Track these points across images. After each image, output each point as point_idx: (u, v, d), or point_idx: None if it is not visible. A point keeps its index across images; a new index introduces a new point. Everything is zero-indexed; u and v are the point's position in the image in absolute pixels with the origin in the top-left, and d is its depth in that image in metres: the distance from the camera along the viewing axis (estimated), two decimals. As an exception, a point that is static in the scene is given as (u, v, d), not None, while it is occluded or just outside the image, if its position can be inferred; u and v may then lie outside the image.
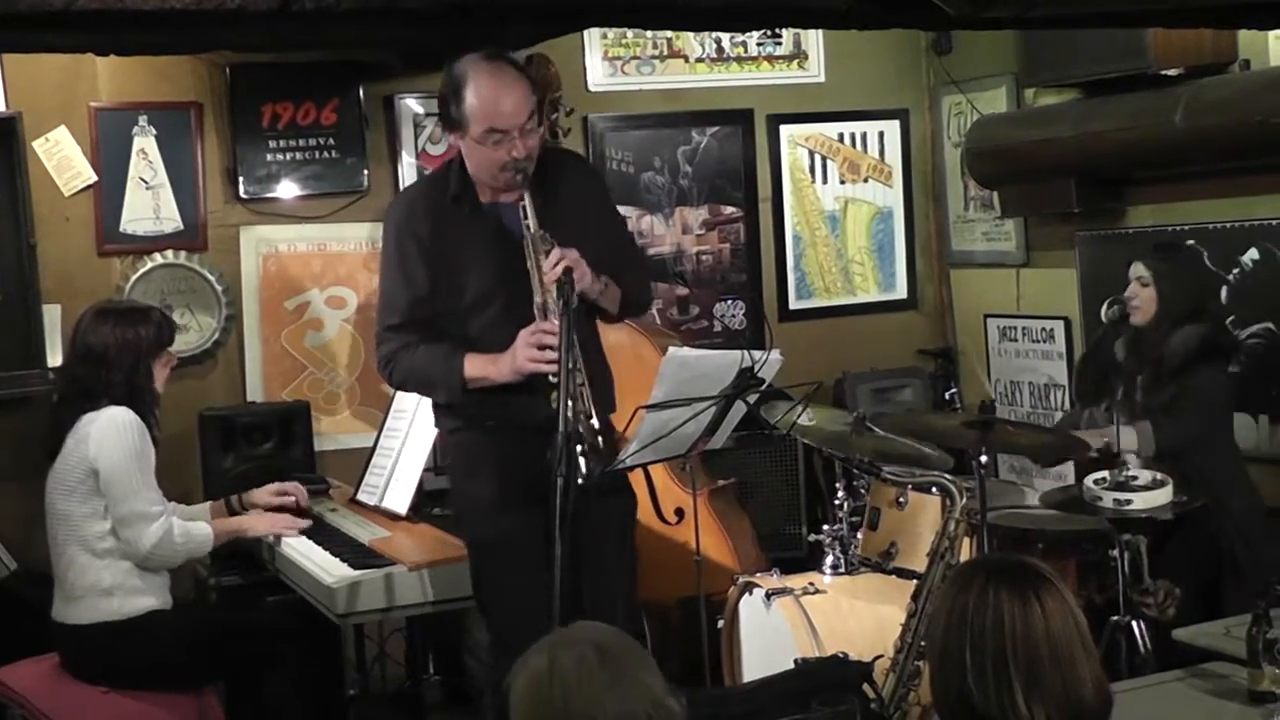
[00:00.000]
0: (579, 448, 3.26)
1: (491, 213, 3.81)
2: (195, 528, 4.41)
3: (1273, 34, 5.04)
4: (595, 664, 2.08)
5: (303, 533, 4.58)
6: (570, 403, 3.30)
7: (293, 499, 4.82)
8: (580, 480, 3.24)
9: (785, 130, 6.53)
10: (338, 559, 4.25)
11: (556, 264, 3.51)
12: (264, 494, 4.81)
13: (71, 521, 4.25)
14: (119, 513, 4.21)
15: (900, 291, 6.79)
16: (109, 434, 4.20)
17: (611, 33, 6.18)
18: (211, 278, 5.63)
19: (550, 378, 3.45)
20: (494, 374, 3.70)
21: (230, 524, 4.59)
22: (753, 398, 3.75)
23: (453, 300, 3.81)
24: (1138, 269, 4.87)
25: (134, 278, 5.50)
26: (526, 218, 3.61)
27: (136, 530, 4.21)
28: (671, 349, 3.65)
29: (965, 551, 4.11)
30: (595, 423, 3.34)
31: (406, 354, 3.81)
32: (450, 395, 3.80)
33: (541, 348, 3.55)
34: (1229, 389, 4.86)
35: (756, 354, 3.67)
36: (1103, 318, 4.96)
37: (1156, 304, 4.82)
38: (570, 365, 3.34)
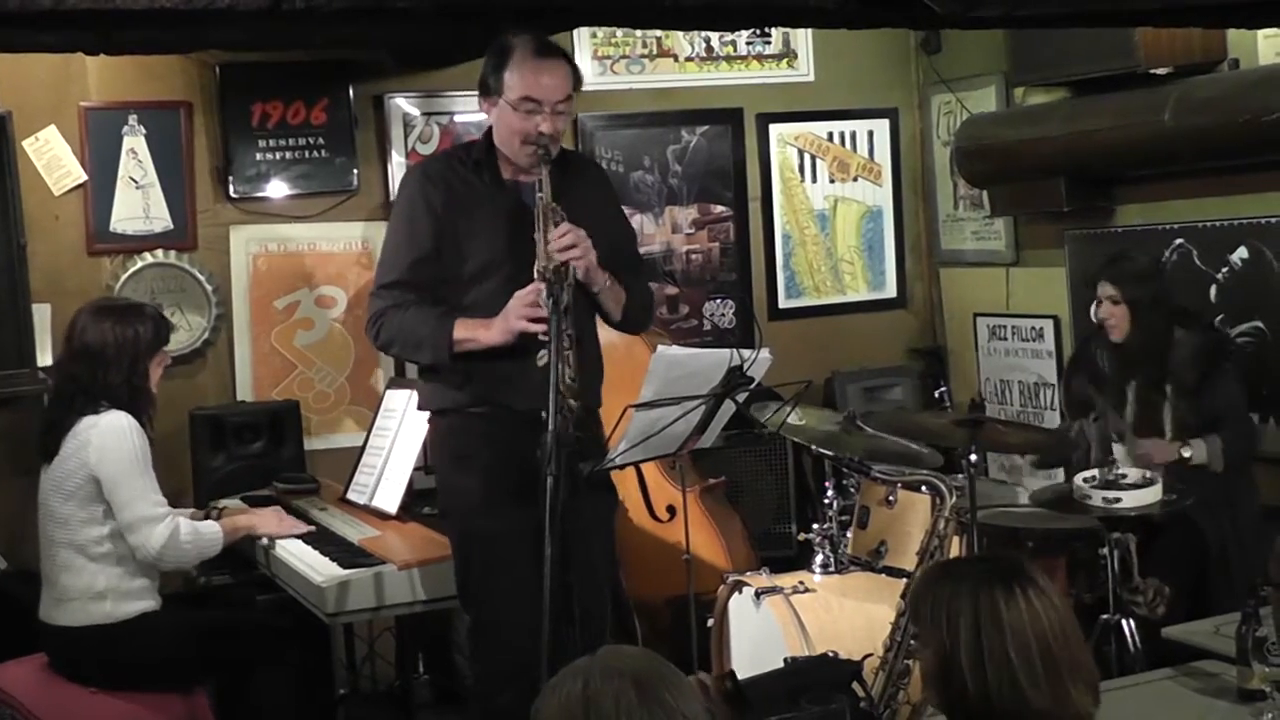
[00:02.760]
0: (566, 409, 3.28)
1: (511, 188, 3.83)
2: (204, 527, 4.36)
3: (1261, 33, 5.05)
4: (634, 700, 1.98)
5: (291, 532, 4.58)
6: (557, 368, 3.33)
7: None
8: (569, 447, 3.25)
9: (774, 129, 6.54)
10: (327, 558, 4.24)
11: (564, 236, 3.54)
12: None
13: (69, 525, 4.20)
14: (124, 519, 4.16)
15: (890, 290, 6.79)
16: (109, 441, 4.15)
17: (601, 32, 6.18)
18: (201, 277, 5.62)
19: (540, 336, 3.47)
20: (484, 337, 3.72)
21: (239, 522, 4.52)
22: (742, 396, 3.75)
23: (455, 266, 3.83)
24: (1105, 288, 4.87)
25: (124, 277, 5.49)
26: (541, 189, 3.62)
27: (143, 534, 4.16)
28: (660, 347, 3.64)
29: (955, 550, 4.11)
30: (576, 384, 3.37)
31: (397, 313, 3.82)
32: (436, 355, 3.80)
33: (535, 307, 3.56)
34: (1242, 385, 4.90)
35: (746, 353, 3.67)
36: (1093, 317, 4.96)
37: (1130, 318, 4.82)
38: (560, 330, 3.37)
